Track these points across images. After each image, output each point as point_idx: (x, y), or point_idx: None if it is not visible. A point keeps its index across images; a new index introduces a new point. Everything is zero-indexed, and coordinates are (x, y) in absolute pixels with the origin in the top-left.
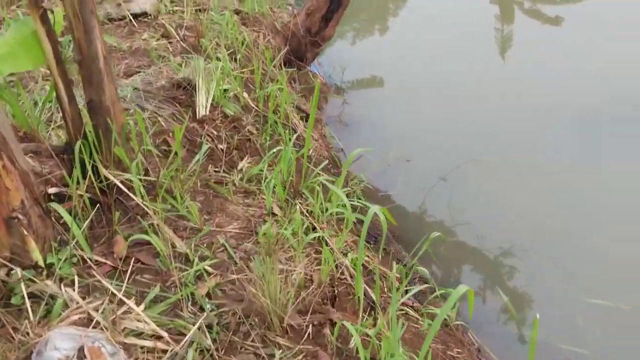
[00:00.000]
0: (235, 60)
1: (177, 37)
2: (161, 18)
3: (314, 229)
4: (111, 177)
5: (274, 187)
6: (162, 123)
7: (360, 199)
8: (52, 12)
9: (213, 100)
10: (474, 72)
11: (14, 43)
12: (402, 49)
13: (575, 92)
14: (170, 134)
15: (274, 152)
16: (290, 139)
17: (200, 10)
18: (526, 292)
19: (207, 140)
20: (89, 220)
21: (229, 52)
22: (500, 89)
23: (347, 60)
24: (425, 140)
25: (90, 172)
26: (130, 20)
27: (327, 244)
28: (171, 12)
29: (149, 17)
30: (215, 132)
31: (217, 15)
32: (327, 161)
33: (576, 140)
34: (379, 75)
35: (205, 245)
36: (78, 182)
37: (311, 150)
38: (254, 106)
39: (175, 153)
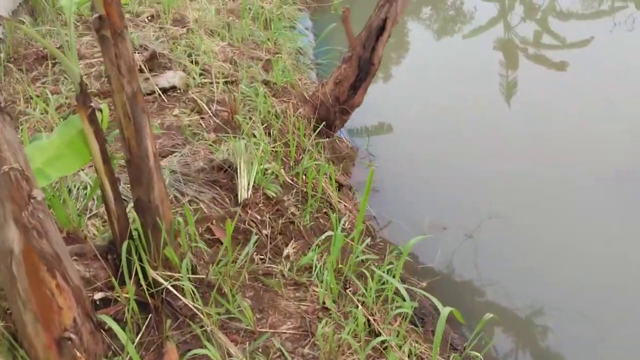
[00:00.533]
0: (269, 134)
1: (209, 112)
2: (191, 92)
3: (369, 322)
4: (161, 281)
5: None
6: (204, 209)
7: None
8: (101, 111)
9: (254, 181)
10: (490, 124)
11: (60, 144)
12: (412, 97)
13: (598, 143)
14: (213, 221)
15: (321, 240)
16: (338, 223)
17: (229, 82)
18: (559, 352)
19: (251, 226)
20: (138, 327)
21: (263, 126)
22: (521, 142)
23: (367, 114)
24: (451, 198)
25: (136, 273)
26: (159, 95)
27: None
28: (200, 85)
29: (178, 92)
30: (258, 217)
31: (247, 87)
32: (368, 238)
33: (601, 195)
34: (387, 122)
35: (260, 350)
36: (124, 282)
37: (347, 222)
38: (292, 182)
39: (223, 244)
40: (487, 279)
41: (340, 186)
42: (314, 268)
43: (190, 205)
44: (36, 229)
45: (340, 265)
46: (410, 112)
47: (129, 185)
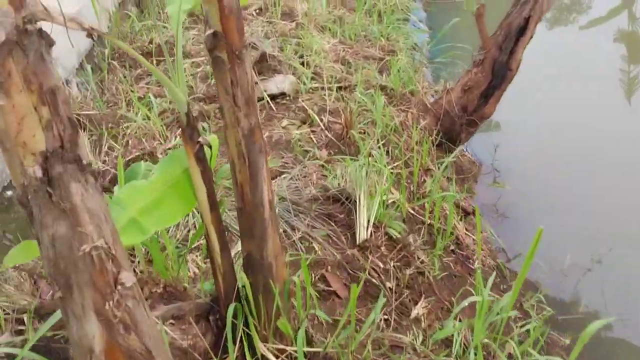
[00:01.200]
0: (388, 152)
1: (321, 124)
2: (301, 99)
3: None
4: (272, 359)
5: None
6: (317, 248)
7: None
8: (210, 147)
9: (375, 217)
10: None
11: (162, 187)
12: (528, 100)
13: None
14: (329, 267)
15: (462, 308)
16: (483, 286)
17: (342, 87)
18: None
19: (372, 275)
20: None
21: (381, 142)
22: None
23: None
24: (595, 229)
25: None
26: (267, 102)
27: None
28: (311, 90)
29: (288, 98)
30: (381, 264)
31: (363, 95)
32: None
33: None
34: (507, 129)
35: None
36: (226, 351)
37: (475, 258)
38: (416, 213)
39: (339, 296)
40: None
41: (466, 214)
42: (454, 342)
43: (301, 243)
44: (123, 322)
45: (486, 340)
46: (530, 120)
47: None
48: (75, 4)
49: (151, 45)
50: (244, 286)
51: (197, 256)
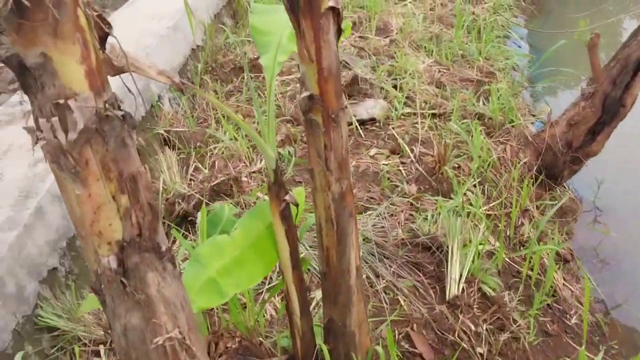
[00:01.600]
0: (483, 191)
1: (411, 156)
2: (391, 127)
3: None
4: None
5: None
6: (402, 302)
7: None
8: (297, 205)
9: (468, 271)
10: None
11: (243, 243)
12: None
13: None
14: (414, 325)
15: None
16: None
17: (437, 115)
18: None
19: (461, 338)
20: None
21: (477, 180)
22: None
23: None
24: None
25: None
26: (356, 127)
27: None
28: (403, 117)
29: (377, 125)
30: (472, 326)
31: (458, 124)
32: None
33: None
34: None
35: None
36: None
37: (574, 313)
38: (510, 261)
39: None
40: None
41: (565, 261)
42: None
43: (385, 293)
44: None
45: None
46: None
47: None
48: (172, 16)
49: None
50: (322, 350)
51: (274, 297)
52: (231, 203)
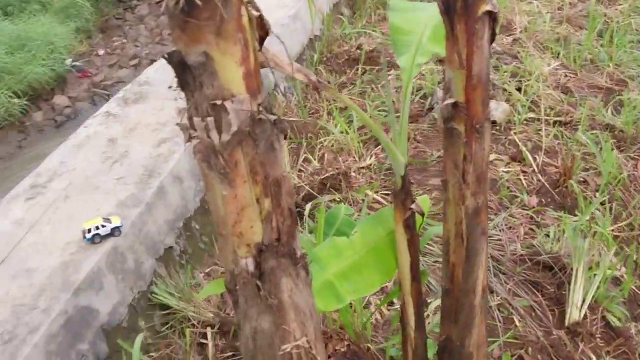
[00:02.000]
0: (611, 211)
1: (534, 164)
2: (513, 132)
3: None
4: None
5: None
6: (517, 322)
7: None
8: (423, 215)
9: (592, 297)
10: None
11: (362, 249)
12: None
13: None
14: (529, 349)
15: None
16: None
17: (562, 123)
18: None
19: None
20: None
21: (605, 197)
22: None
23: None
24: None
25: None
26: None
27: None
28: (526, 122)
29: (497, 128)
30: (593, 357)
31: (586, 135)
32: None
33: None
34: None
35: None
36: None
37: None
38: (635, 288)
39: None
40: None
41: None
42: None
43: (499, 311)
44: None
45: None
46: None
47: None
48: (292, 5)
49: (359, 51)
50: None
51: (379, 300)
52: (339, 198)
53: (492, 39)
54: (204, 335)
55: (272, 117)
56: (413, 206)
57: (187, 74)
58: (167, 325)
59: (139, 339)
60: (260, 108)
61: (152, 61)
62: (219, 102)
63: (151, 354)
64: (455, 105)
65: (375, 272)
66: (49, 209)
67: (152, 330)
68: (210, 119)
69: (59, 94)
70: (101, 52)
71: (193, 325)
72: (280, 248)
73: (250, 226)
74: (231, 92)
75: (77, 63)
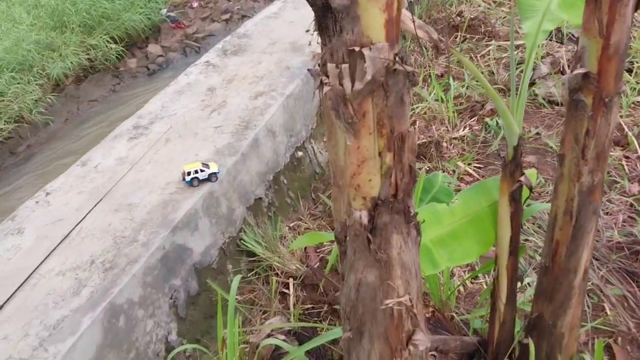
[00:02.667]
0: None
1: (639, 150)
2: (619, 115)
3: None
4: None
5: None
6: (607, 311)
7: None
8: (531, 189)
9: None
10: None
11: (462, 218)
12: None
13: None
14: (619, 339)
15: None
16: None
17: None
18: None
19: None
20: None
21: None
22: None
23: None
24: None
25: None
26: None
27: None
28: (633, 105)
29: None
30: None
31: None
32: None
33: None
34: None
35: None
36: None
37: None
38: None
39: None
40: None
41: None
42: None
43: (589, 297)
44: None
45: None
46: None
47: None
48: None
49: (459, 18)
50: (520, 342)
51: (464, 272)
52: (429, 167)
53: (637, 7)
54: (286, 285)
55: (409, 69)
56: (522, 179)
57: (328, 17)
58: (253, 272)
59: (236, 280)
60: (397, 58)
61: (243, 16)
62: (357, 48)
63: (236, 297)
64: (586, 75)
65: (473, 241)
66: (151, 149)
67: (238, 274)
68: (345, 66)
69: (152, 43)
70: (195, 4)
71: (277, 274)
72: (396, 204)
73: (369, 179)
74: (370, 39)
75: (171, 14)
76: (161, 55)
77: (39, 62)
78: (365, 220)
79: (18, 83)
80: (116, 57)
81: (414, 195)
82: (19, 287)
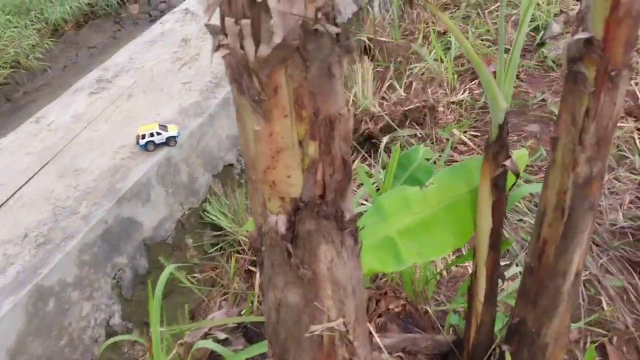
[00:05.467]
0: None
1: None
2: (633, 82)
3: None
4: None
5: None
6: (604, 305)
7: None
8: (517, 175)
9: None
10: None
11: (437, 205)
12: None
13: None
14: (614, 337)
15: None
16: None
17: None
18: None
19: None
20: None
21: None
22: None
23: None
24: None
25: None
26: None
27: None
28: None
29: None
30: None
31: None
32: None
33: None
34: None
35: None
36: None
37: None
38: None
39: None
40: None
41: None
42: None
43: (585, 287)
44: None
45: None
46: None
47: None
48: None
49: None
50: (498, 347)
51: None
52: (421, 134)
53: None
54: (253, 263)
55: (334, 30)
56: (507, 163)
57: None
58: (217, 247)
59: (166, 272)
60: (319, 15)
61: None
62: None
63: (195, 274)
64: (588, 42)
65: (447, 233)
66: (110, 106)
67: (199, 249)
68: (245, 22)
69: None
70: None
71: (243, 250)
72: (324, 208)
73: (287, 175)
74: None
75: None
76: (163, 2)
77: (37, 6)
78: (282, 227)
79: (15, 27)
80: (117, 2)
81: (350, 195)
82: None
